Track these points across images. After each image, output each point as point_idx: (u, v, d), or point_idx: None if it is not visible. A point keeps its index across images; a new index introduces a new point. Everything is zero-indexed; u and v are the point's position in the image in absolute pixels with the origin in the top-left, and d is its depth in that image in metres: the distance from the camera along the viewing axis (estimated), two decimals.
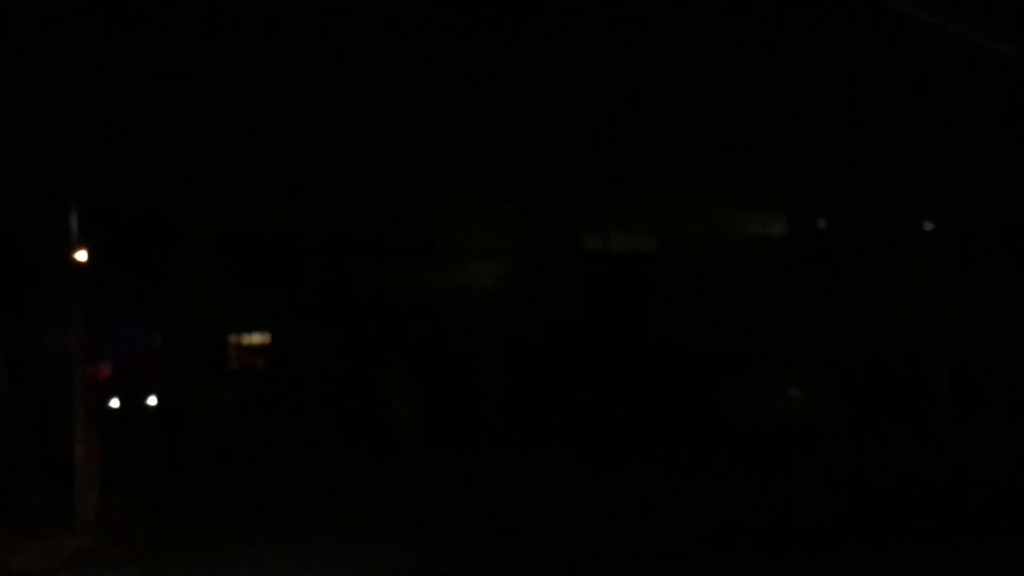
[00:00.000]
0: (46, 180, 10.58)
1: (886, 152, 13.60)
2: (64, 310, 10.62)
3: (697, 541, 8.70)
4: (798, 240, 14.92)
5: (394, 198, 12.60)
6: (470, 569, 8.51)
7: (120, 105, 9.69)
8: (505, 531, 9.43)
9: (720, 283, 13.99)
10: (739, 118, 13.02)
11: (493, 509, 10.25)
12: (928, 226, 15.02)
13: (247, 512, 10.54)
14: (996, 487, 10.37)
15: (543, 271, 13.85)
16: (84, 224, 10.39)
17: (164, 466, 11.94)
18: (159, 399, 12.56)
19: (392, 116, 10.70)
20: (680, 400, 13.47)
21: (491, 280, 13.72)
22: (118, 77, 9.33)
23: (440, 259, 13.45)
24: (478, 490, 11.03)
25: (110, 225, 10.75)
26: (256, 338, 13.53)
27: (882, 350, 13.66)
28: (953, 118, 13.12)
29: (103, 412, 10.89)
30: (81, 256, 10.48)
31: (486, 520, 9.86)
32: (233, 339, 13.29)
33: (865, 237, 14.41)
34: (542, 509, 10.17)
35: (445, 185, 12.42)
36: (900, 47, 11.89)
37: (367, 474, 11.77)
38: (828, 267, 14.36)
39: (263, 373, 13.42)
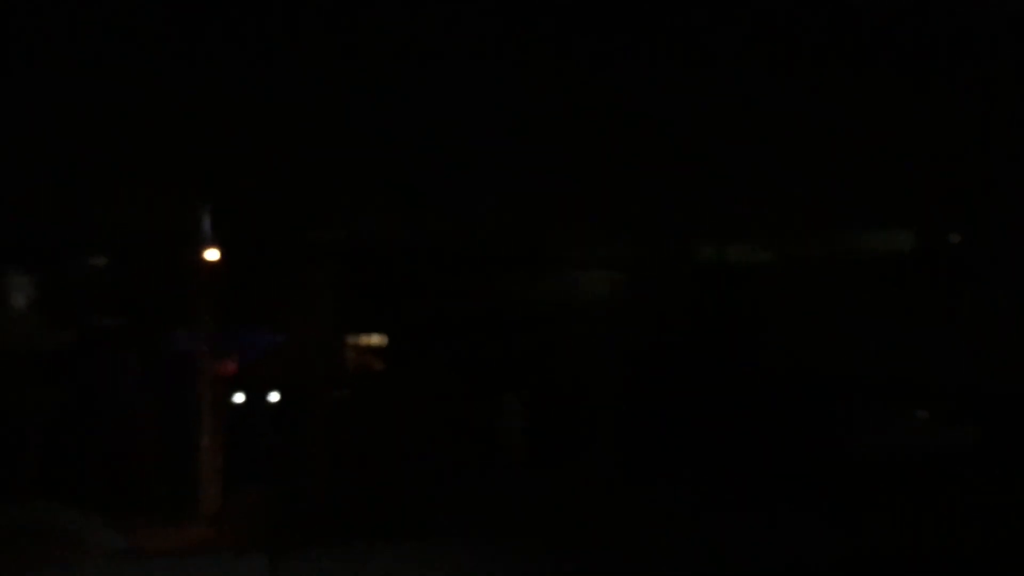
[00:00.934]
0: (181, 184, 11.09)
1: None
2: (194, 310, 11.09)
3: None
4: (928, 255, 14.30)
5: (506, 209, 12.72)
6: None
7: (254, 111, 10.06)
8: (610, 546, 9.46)
9: (841, 299, 13.58)
10: (863, 125, 12.65)
11: (601, 524, 10.27)
12: None
13: (363, 509, 10.80)
14: None
15: (654, 282, 13.73)
16: (215, 228, 10.84)
17: (283, 461, 12.31)
18: (280, 397, 12.97)
19: (507, 128, 10.82)
20: (796, 421, 13.10)
21: (602, 291, 13.69)
22: (253, 81, 9.69)
23: (552, 269, 13.50)
24: (586, 504, 11.03)
25: (239, 229, 11.16)
26: (374, 339, 13.85)
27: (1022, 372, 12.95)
28: None
29: (227, 408, 11.30)
30: (211, 257, 10.93)
31: (594, 534, 9.91)
32: (351, 340, 13.63)
33: (1003, 252, 13.71)
34: (646, 526, 10.13)
35: (558, 195, 12.47)
36: None
37: (476, 480, 11.93)
38: (961, 283, 13.74)
39: (378, 375, 13.73)
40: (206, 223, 11.03)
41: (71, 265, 12.52)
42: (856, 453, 12.73)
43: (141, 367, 12.05)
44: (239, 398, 12.71)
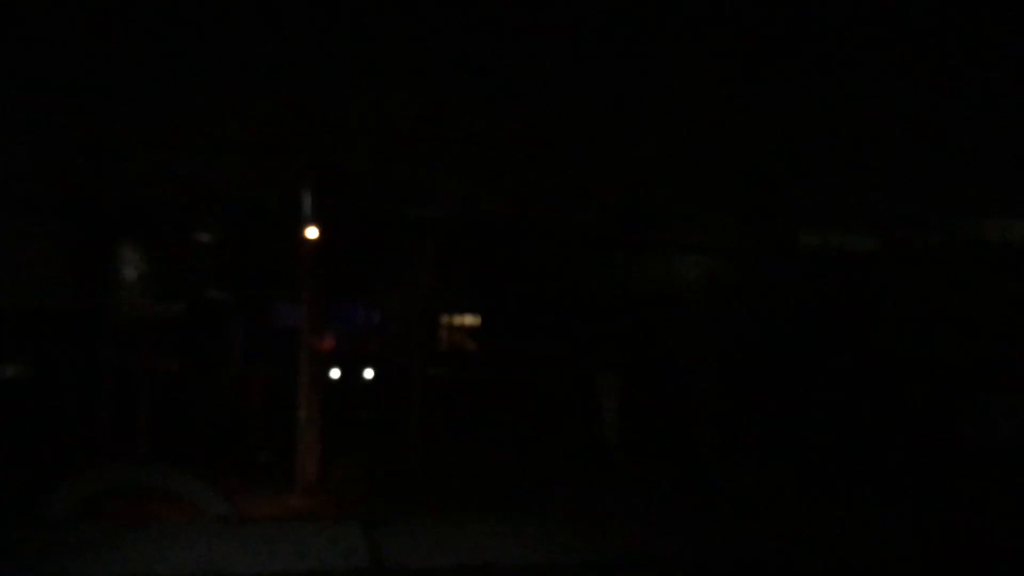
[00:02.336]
0: (285, 162, 11.37)
1: None
2: (296, 286, 11.39)
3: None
4: None
5: (608, 190, 12.68)
6: (681, 555, 8.60)
7: (356, 89, 10.24)
8: (711, 530, 9.45)
9: (958, 288, 13.20)
10: (982, 109, 12.16)
11: (704, 508, 10.28)
12: None
13: (456, 484, 11.01)
14: None
15: (756, 267, 13.57)
16: (317, 205, 11.09)
17: (378, 437, 12.60)
18: (375, 373, 13.26)
19: (609, 108, 10.77)
20: (908, 413, 12.83)
21: (702, 275, 13.59)
22: (355, 58, 9.85)
23: (651, 253, 13.44)
24: (688, 489, 11.03)
25: (340, 207, 11.41)
26: (468, 319, 14.03)
27: None
28: None
29: (324, 383, 11.59)
30: (311, 235, 11.18)
31: (695, 517, 9.93)
32: (445, 320, 13.84)
33: None
34: (747, 513, 10.08)
35: (660, 177, 12.38)
36: None
37: (569, 463, 12.02)
38: None
39: (472, 354, 13.92)
40: (307, 201, 11.28)
41: (181, 240, 13.03)
42: (976, 444, 12.43)
43: (245, 340, 12.49)
44: (335, 373, 13.04)
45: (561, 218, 13.01)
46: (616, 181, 12.35)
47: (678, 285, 13.55)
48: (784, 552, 8.86)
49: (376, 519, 9.58)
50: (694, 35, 9.47)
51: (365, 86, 10.60)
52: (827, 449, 12.22)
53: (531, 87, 9.90)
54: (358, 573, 8.17)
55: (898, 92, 11.16)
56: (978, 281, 13.26)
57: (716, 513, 10.09)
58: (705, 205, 13.02)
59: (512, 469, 11.61)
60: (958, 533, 9.45)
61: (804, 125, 11.48)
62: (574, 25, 8.86)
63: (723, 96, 10.58)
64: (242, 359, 12.41)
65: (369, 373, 13.33)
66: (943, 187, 12.95)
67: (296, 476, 10.77)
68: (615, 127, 11.00)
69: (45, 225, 12.13)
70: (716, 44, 9.98)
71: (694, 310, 13.45)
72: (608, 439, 12.82)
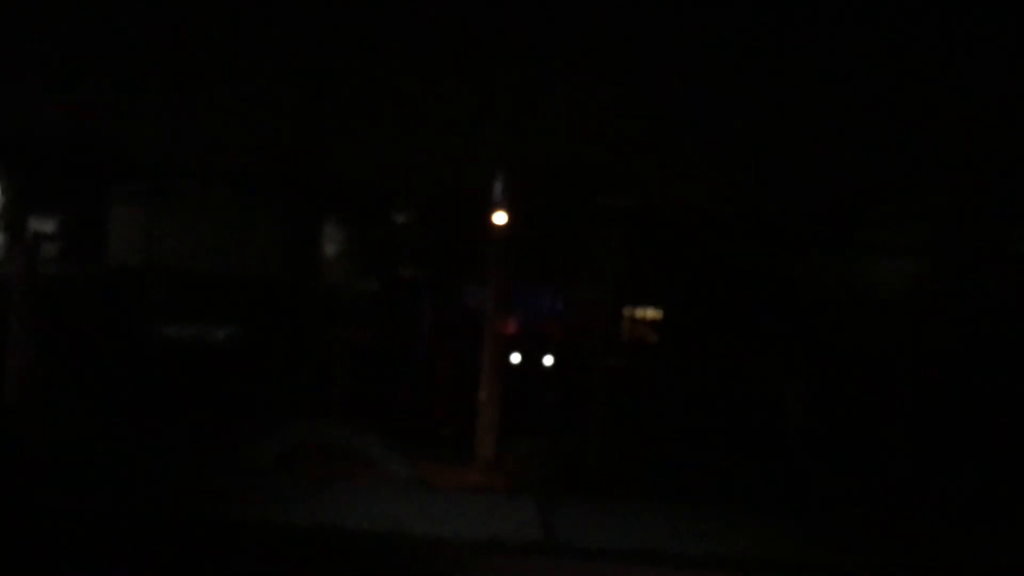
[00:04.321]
0: (478, 148, 11.75)
1: None
2: (484, 269, 11.74)
3: None
4: None
5: (810, 186, 12.35)
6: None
7: (553, 78, 10.44)
8: (884, 539, 9.14)
9: None
10: None
11: (875, 517, 9.95)
12: None
13: (631, 471, 11.06)
14: None
15: (964, 273, 12.86)
16: (508, 191, 11.39)
17: (555, 422, 12.80)
18: (555, 360, 13.47)
19: (820, 99, 10.50)
20: None
21: (902, 280, 13.01)
22: (549, 48, 10.05)
23: (851, 254, 12.97)
24: (874, 499, 10.67)
25: (529, 193, 11.66)
26: (650, 312, 14.02)
27: None
28: None
29: (506, 365, 11.88)
30: (500, 220, 11.49)
31: (869, 524, 9.63)
32: (628, 311, 13.88)
33: None
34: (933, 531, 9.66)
35: (870, 177, 11.94)
36: None
37: (750, 462, 11.83)
38: None
39: (653, 347, 13.90)
40: (498, 186, 11.57)
41: (379, 220, 13.67)
42: None
43: (434, 318, 12.98)
44: (516, 358, 13.34)
45: (754, 213, 12.78)
46: (823, 176, 11.99)
47: (878, 289, 13.01)
48: None
49: (551, 499, 9.76)
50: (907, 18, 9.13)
51: (561, 74, 10.79)
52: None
53: (730, 72, 9.81)
54: (530, 545, 8.38)
55: None
56: None
57: (897, 529, 9.69)
58: (914, 205, 12.43)
59: (690, 463, 11.55)
60: None
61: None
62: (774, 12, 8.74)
63: (944, 87, 10.11)
64: (431, 336, 12.91)
65: (549, 360, 13.54)
66: None
67: (476, 451, 11.10)
68: (824, 119, 10.72)
69: (259, 198, 13.01)
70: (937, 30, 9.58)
71: (892, 316, 12.88)
72: (790, 442, 12.52)
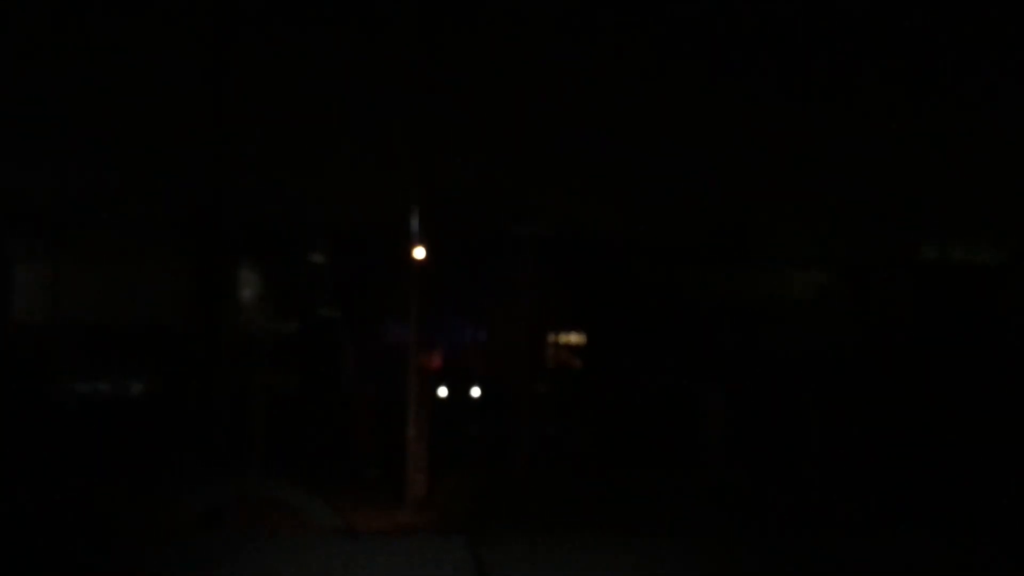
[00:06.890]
0: (391, 183, 11.64)
1: None
2: (404, 305, 11.59)
3: None
4: None
5: (711, 204, 12.56)
6: None
7: (457, 108, 10.43)
8: (815, 553, 9.21)
9: None
10: None
11: (804, 530, 10.03)
12: None
13: (562, 503, 11.00)
14: None
15: (870, 282, 13.15)
16: (424, 224, 11.29)
17: (483, 454, 12.70)
18: (482, 391, 13.39)
19: (710, 121, 10.70)
20: None
21: (811, 291, 13.27)
22: (453, 80, 10.05)
23: (757, 268, 13.21)
24: (797, 512, 10.76)
25: (444, 227, 11.59)
26: (573, 337, 14.06)
27: None
28: None
29: (432, 400, 11.75)
30: (419, 254, 11.37)
31: (803, 538, 9.70)
32: (551, 338, 13.90)
33: None
34: (857, 543, 9.76)
35: (766, 190, 12.18)
36: None
37: (675, 482, 11.87)
38: None
39: (578, 371, 13.92)
40: (414, 221, 11.48)
41: (292, 261, 13.46)
42: None
43: (356, 357, 12.80)
44: (443, 391, 13.22)
45: (665, 234, 12.94)
46: (720, 195, 12.21)
47: (787, 301, 13.26)
48: None
49: (482, 535, 9.64)
50: (813, 44, 9.33)
51: (470, 106, 10.78)
52: (948, 468, 11.72)
53: (635, 104, 9.93)
54: None
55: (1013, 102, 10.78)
56: None
57: (823, 538, 9.80)
58: (815, 217, 12.72)
59: (618, 487, 11.54)
60: None
61: (919, 135, 11.17)
62: (681, 43, 8.85)
63: (840, 105, 10.38)
64: (352, 376, 12.72)
65: (476, 391, 13.46)
66: None
67: (404, 491, 10.93)
68: (720, 140, 10.92)
69: (167, 246, 12.69)
70: (832, 55, 9.80)
71: (803, 326, 13.12)
72: (712, 459, 12.62)
